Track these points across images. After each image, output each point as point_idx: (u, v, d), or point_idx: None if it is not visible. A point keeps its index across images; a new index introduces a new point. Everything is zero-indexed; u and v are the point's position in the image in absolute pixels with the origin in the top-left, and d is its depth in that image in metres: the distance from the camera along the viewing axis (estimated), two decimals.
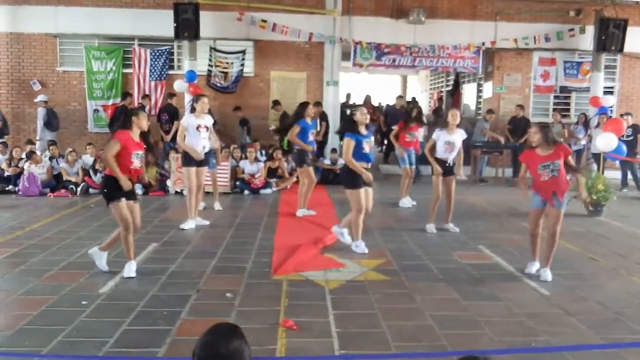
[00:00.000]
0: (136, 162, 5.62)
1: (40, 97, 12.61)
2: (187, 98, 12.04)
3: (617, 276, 5.99)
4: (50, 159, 11.21)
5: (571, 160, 5.75)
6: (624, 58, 14.41)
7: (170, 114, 12.27)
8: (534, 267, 5.96)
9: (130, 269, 5.65)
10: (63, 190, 10.53)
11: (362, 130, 6.51)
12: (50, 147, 11.51)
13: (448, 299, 5.15)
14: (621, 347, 4.13)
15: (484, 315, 4.73)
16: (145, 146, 5.79)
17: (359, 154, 6.48)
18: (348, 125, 6.66)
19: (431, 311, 4.79)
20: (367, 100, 16.24)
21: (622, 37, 13.01)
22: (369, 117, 6.66)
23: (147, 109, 12.05)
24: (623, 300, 5.17)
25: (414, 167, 10.02)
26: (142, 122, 5.68)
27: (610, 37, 13.00)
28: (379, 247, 6.91)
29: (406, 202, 9.89)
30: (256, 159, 11.46)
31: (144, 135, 5.78)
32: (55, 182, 10.83)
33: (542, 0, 13.99)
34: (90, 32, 13.43)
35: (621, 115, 12.36)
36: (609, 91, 14.28)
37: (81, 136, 13.47)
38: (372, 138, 6.65)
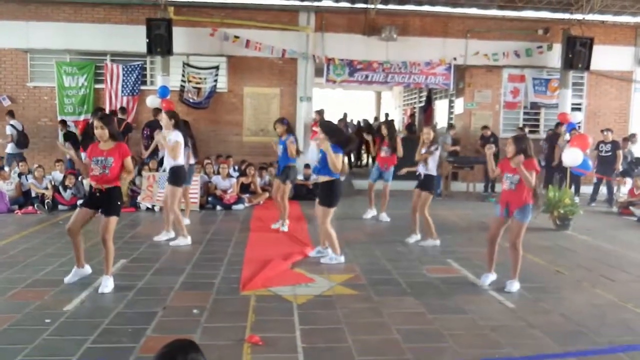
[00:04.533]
0: (95, 169, 5.56)
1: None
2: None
3: (581, 289, 6.10)
4: (20, 175, 11.03)
5: (527, 175, 5.58)
6: (591, 75, 14.78)
7: (151, 130, 12.15)
8: (488, 279, 6.02)
9: (71, 275, 5.85)
10: (31, 207, 10.35)
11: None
12: (20, 164, 11.34)
13: (414, 313, 5.18)
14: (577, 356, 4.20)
15: (449, 328, 4.77)
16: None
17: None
18: None
19: (397, 325, 4.81)
20: (320, 114, 16.26)
21: (588, 55, 13.38)
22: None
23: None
24: (586, 313, 5.26)
25: (388, 183, 10.01)
26: (95, 131, 5.66)
27: (577, 55, 13.36)
28: (349, 262, 6.93)
29: (369, 212, 10.14)
30: (229, 175, 11.45)
31: (114, 137, 5.69)
32: (24, 199, 10.66)
33: (511, 19, 14.32)
34: (62, 47, 13.35)
35: (602, 131, 12.64)
36: (576, 107, 14.62)
37: (52, 152, 13.31)
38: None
